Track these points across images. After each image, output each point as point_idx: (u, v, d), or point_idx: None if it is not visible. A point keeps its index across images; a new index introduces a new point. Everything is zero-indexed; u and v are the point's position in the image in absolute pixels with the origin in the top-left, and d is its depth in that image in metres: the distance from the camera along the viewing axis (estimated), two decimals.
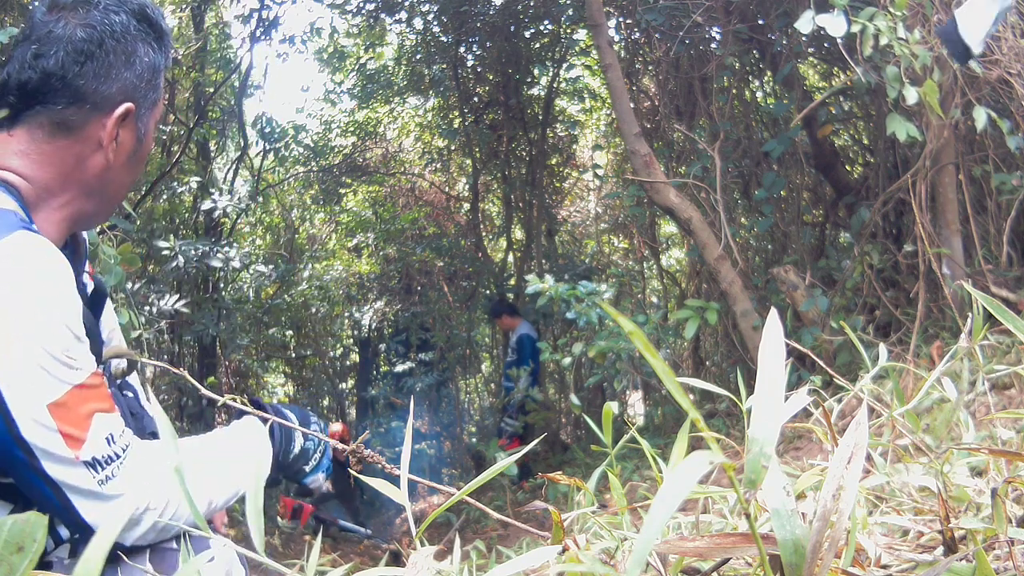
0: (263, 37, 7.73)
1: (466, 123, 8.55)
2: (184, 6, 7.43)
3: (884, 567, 0.84)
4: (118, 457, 0.96)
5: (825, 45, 5.10)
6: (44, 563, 1.00)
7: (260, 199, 8.34)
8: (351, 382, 10.24)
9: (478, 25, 7.91)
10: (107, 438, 0.96)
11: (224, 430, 1.23)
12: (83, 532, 0.96)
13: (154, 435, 1.20)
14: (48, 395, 0.91)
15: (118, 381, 1.24)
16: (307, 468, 1.35)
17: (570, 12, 7.08)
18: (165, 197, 7.11)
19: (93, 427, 0.94)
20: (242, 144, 8.34)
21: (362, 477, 0.93)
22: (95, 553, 0.40)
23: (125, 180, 1.17)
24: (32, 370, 0.91)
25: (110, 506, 0.95)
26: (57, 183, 1.08)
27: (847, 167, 5.64)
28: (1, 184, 1.04)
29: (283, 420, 1.21)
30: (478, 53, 8.54)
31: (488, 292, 8.91)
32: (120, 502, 0.95)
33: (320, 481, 1.37)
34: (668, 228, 8.35)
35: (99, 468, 0.94)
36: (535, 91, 8.62)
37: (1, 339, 0.90)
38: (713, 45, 5.51)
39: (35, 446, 0.90)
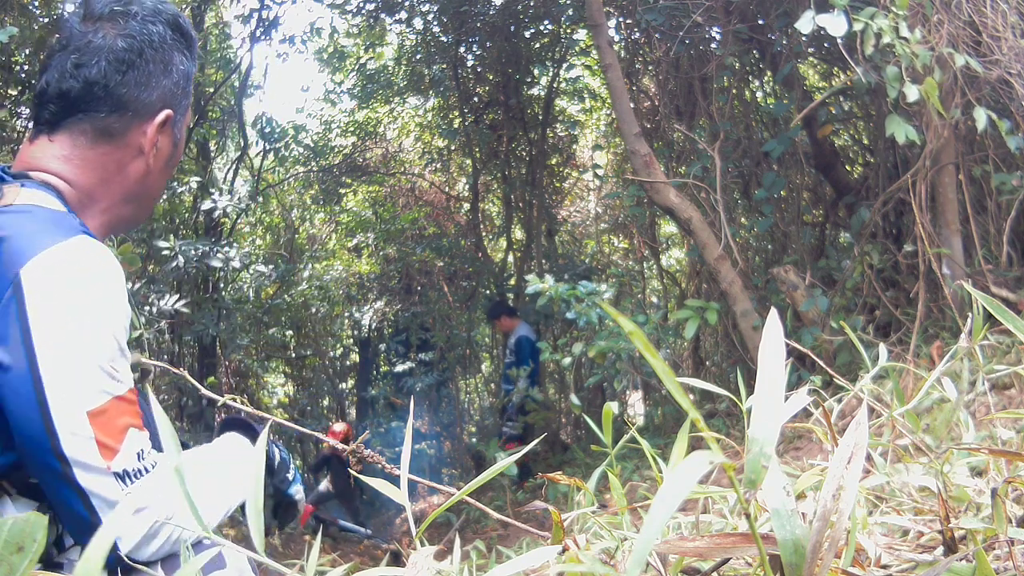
0: (263, 37, 7.73)
1: (466, 123, 8.55)
2: (184, 6, 7.42)
3: (884, 567, 0.84)
4: (146, 472, 0.97)
5: (825, 45, 5.10)
6: (55, 564, 0.99)
7: (260, 199, 8.34)
8: (351, 382, 10.24)
9: (478, 25, 7.91)
10: (138, 453, 0.96)
11: (216, 443, 1.22)
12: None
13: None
14: (89, 403, 0.91)
15: None
16: (289, 477, 1.35)
17: (570, 12, 7.08)
18: (165, 197, 7.10)
19: (127, 440, 0.94)
20: (242, 144, 8.35)
21: (362, 477, 0.93)
22: (95, 553, 0.40)
23: (161, 184, 1.20)
24: (78, 376, 0.91)
25: (135, 518, 0.94)
26: (99, 188, 1.10)
27: (847, 167, 5.64)
28: (48, 187, 1.05)
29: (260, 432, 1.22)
30: (478, 53, 8.54)
31: (488, 292, 8.91)
32: (144, 516, 0.94)
33: (301, 493, 1.37)
34: (668, 228, 8.35)
35: (128, 481, 0.94)
36: (535, 91, 8.62)
37: (54, 343, 0.90)
38: (713, 45, 5.51)
39: (71, 456, 0.90)
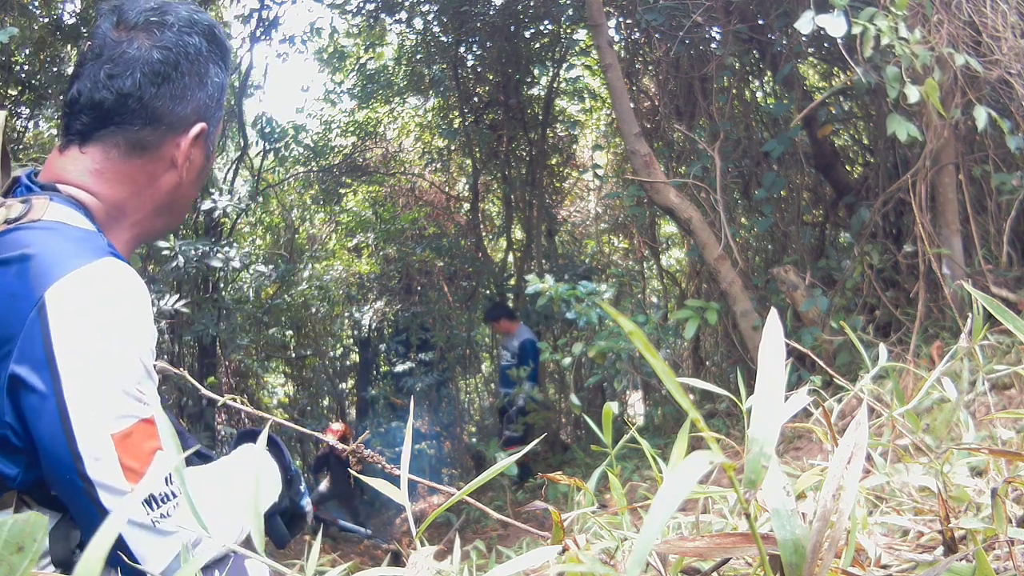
0: (263, 37, 7.74)
1: (466, 123, 8.56)
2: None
3: (884, 567, 0.84)
4: (175, 496, 0.95)
5: (825, 45, 5.10)
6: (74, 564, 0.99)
7: (260, 199, 8.35)
8: (351, 382, 10.24)
9: (478, 25, 7.91)
10: (166, 477, 0.95)
11: (235, 455, 1.21)
12: (129, 559, 0.93)
13: (198, 455, 1.21)
14: (114, 426, 0.90)
15: None
16: (302, 489, 1.35)
17: (570, 12, 7.08)
18: None
19: (154, 464, 0.93)
20: (242, 144, 8.35)
21: (362, 477, 0.93)
22: (95, 552, 0.40)
23: (192, 196, 1.19)
24: (103, 400, 0.90)
25: (163, 541, 0.93)
26: (130, 202, 1.09)
27: (847, 167, 5.64)
28: (75, 203, 1.04)
29: (280, 446, 1.23)
30: (478, 53, 8.54)
31: (488, 292, 8.91)
32: (175, 539, 0.93)
33: (310, 505, 1.37)
34: (668, 228, 8.35)
35: (155, 505, 0.92)
36: (535, 91, 8.63)
37: (78, 367, 0.89)
38: (713, 45, 5.52)
39: (95, 479, 0.89)
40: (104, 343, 0.91)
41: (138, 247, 1.17)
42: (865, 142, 5.79)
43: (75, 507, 0.93)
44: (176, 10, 1.10)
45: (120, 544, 0.91)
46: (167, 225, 1.18)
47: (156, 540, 0.92)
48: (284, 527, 1.29)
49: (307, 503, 1.35)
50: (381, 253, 9.98)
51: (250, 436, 1.26)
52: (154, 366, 1.08)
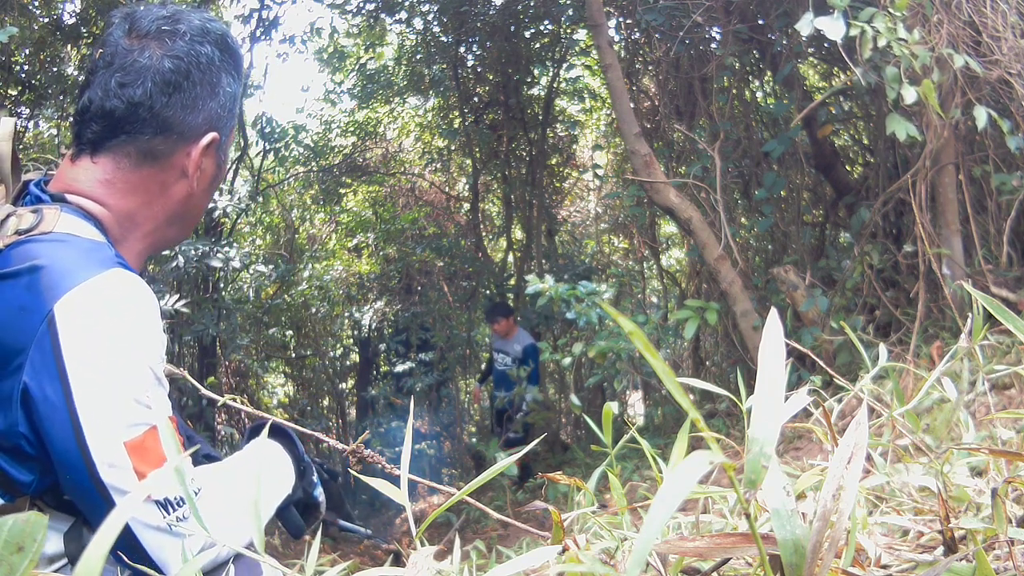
0: (263, 37, 7.74)
1: (466, 123, 8.56)
2: (183, 6, 7.42)
3: (884, 567, 0.84)
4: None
5: (825, 45, 5.10)
6: None
7: (260, 199, 8.35)
8: (351, 382, 10.24)
9: (478, 25, 7.92)
10: None
11: (249, 450, 1.22)
12: (146, 564, 0.95)
13: (207, 457, 1.23)
14: (126, 435, 0.92)
15: None
16: (315, 480, 1.35)
17: (570, 12, 7.09)
18: None
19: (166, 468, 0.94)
20: (242, 144, 8.35)
21: (362, 477, 0.93)
22: (95, 551, 0.40)
23: (203, 205, 1.19)
24: (113, 410, 0.91)
25: (180, 542, 0.94)
26: (142, 212, 1.09)
27: (847, 167, 5.64)
28: (85, 215, 1.04)
29: (292, 437, 1.25)
30: (478, 53, 8.55)
31: (488, 292, 8.91)
32: (192, 541, 0.94)
33: (323, 496, 1.38)
34: (668, 228, 8.35)
35: (170, 509, 0.93)
36: (535, 91, 8.63)
37: (88, 379, 0.90)
38: (713, 45, 5.52)
39: (110, 484, 0.91)
40: (113, 353, 0.92)
41: (151, 254, 1.17)
42: (865, 142, 5.79)
43: (91, 512, 0.95)
44: (189, 19, 1.10)
45: (139, 549, 0.93)
46: (179, 234, 1.18)
47: (175, 543, 0.93)
48: (299, 518, 1.30)
49: (320, 493, 1.36)
50: (381, 253, 9.98)
51: (263, 430, 1.27)
52: (171, 371, 1.08)
